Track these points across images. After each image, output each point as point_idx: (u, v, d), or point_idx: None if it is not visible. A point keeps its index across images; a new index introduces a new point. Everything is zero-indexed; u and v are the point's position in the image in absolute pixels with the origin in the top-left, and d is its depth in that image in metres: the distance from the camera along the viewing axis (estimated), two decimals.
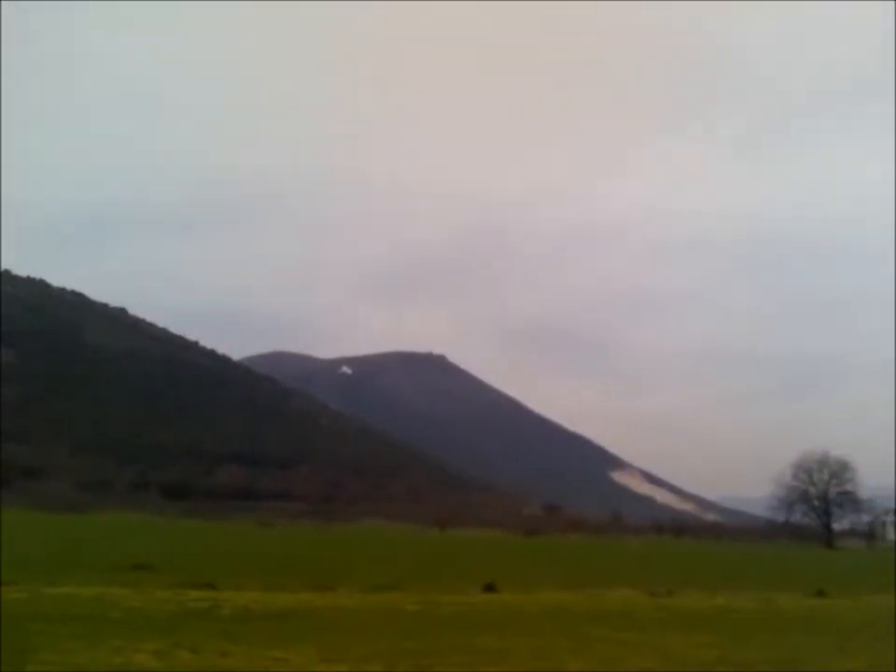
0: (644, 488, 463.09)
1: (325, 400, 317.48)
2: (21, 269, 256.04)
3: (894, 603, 28.16)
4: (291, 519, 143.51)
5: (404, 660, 14.18)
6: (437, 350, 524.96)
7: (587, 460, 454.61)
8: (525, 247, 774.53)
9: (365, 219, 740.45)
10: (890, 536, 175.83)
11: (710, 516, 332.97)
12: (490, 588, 28.43)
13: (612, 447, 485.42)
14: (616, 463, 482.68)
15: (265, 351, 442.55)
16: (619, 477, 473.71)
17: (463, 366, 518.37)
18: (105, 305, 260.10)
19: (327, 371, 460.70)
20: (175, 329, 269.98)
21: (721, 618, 23.79)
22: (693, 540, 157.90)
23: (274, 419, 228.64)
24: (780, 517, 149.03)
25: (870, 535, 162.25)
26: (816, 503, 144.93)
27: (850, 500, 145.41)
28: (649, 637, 18.61)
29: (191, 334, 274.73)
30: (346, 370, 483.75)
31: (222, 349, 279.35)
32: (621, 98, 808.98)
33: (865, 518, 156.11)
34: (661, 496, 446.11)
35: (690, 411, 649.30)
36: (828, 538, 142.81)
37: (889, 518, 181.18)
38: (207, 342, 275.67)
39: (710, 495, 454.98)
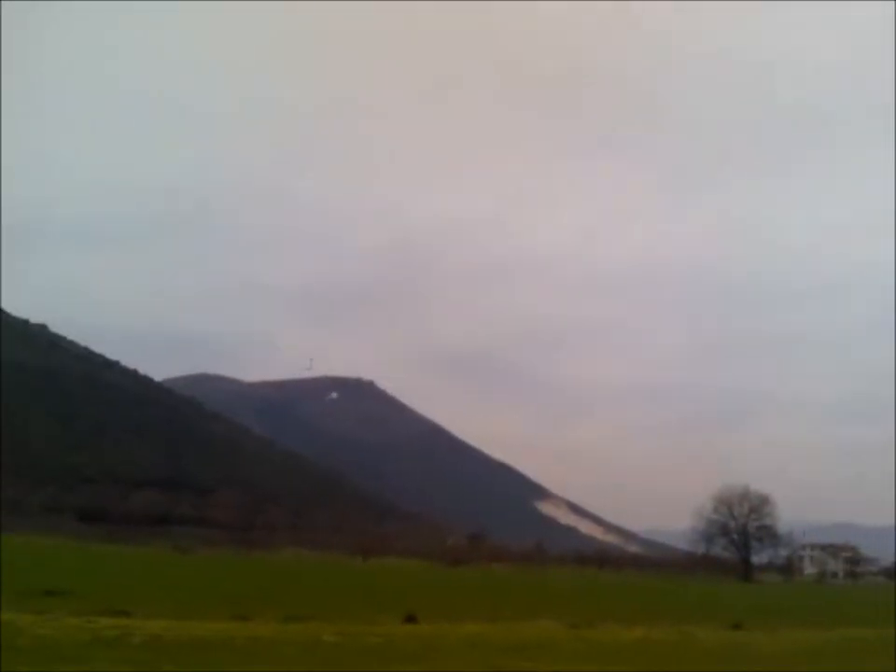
0: (569, 519, 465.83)
1: (248, 425, 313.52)
2: None
3: (810, 637, 28.71)
4: (209, 546, 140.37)
5: None
6: (366, 376, 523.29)
7: (513, 490, 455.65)
8: (455, 275, 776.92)
9: (293, 242, 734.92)
10: (807, 570, 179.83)
11: (633, 548, 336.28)
12: (410, 619, 28.13)
13: (538, 477, 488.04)
14: (541, 493, 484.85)
15: (188, 373, 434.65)
16: (544, 507, 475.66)
17: (391, 392, 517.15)
18: (24, 321, 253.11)
19: (251, 395, 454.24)
20: (96, 347, 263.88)
21: (638, 650, 23.86)
22: (615, 572, 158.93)
23: (196, 443, 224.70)
24: (700, 550, 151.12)
25: (787, 569, 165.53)
26: (735, 536, 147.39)
27: (769, 534, 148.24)
28: (564, 669, 18.55)
29: (112, 353, 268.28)
30: (271, 393, 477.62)
31: (144, 369, 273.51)
32: (553, 128, 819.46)
33: (783, 552, 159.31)
34: (585, 527, 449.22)
35: (615, 442, 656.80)
36: (746, 571, 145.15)
37: (806, 552, 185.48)
38: (129, 361, 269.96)
39: (634, 527, 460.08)
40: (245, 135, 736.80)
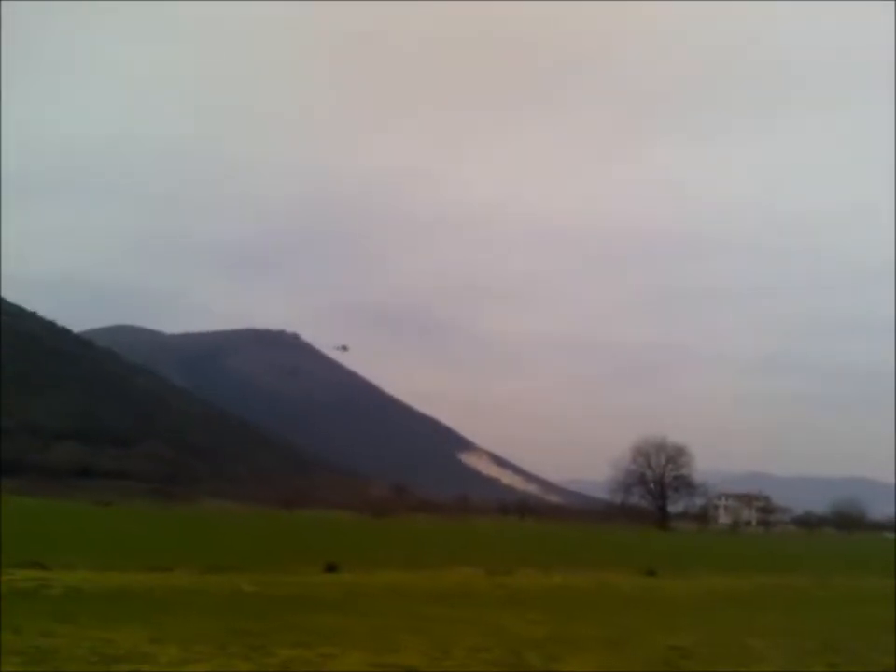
0: (491, 470, 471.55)
1: (170, 377, 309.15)
2: None
3: (721, 583, 29.75)
4: (130, 499, 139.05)
5: (236, 640, 13.91)
6: (290, 328, 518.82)
7: (437, 442, 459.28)
8: (383, 228, 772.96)
9: (216, 192, 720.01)
10: (722, 519, 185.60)
11: (553, 498, 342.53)
12: (331, 568, 28.28)
13: (462, 429, 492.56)
14: (465, 445, 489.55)
15: (108, 324, 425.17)
16: (467, 459, 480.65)
17: (316, 345, 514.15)
18: None
19: (173, 348, 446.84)
20: (12, 298, 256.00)
21: (556, 596, 24.42)
22: (536, 521, 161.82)
23: (116, 395, 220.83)
24: (619, 499, 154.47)
25: (702, 518, 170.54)
26: (652, 486, 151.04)
27: (685, 484, 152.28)
28: (484, 615, 18.89)
29: (29, 304, 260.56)
30: (193, 346, 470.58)
31: (62, 321, 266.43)
32: (485, 84, 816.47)
33: (698, 501, 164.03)
34: (507, 478, 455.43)
35: (538, 395, 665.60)
36: (662, 519, 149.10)
37: (721, 502, 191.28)
38: (46, 312, 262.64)
39: (554, 477, 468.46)
40: (170, 94, 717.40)
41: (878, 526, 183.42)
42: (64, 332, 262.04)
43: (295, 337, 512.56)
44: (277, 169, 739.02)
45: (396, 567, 31.08)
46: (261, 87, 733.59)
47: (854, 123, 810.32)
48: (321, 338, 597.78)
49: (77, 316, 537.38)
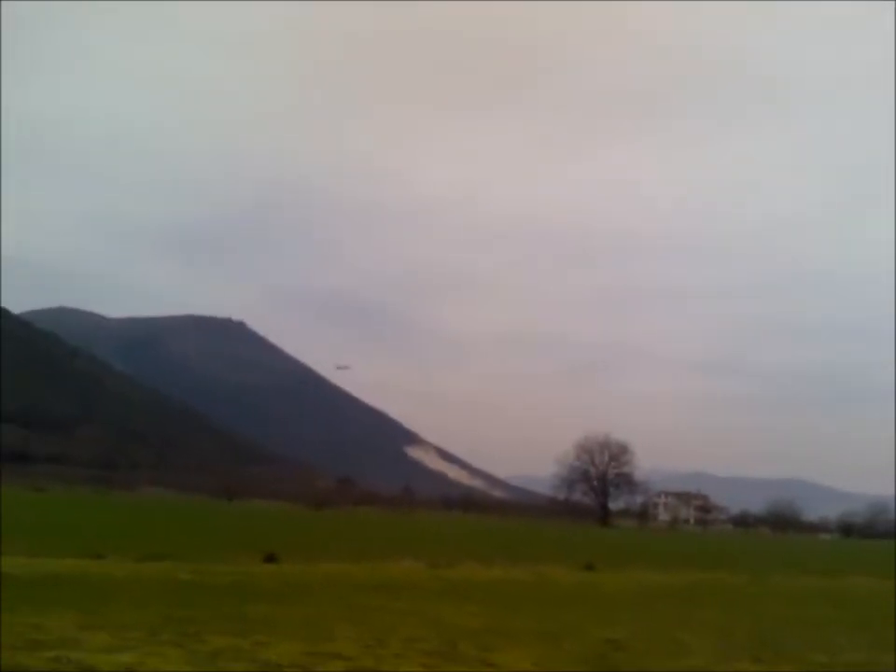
0: (437, 464, 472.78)
1: (111, 362, 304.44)
2: None
3: (656, 579, 30.11)
4: (69, 485, 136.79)
5: (169, 627, 13.73)
6: (236, 316, 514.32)
7: (383, 435, 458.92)
8: (334, 219, 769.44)
9: (163, 172, 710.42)
10: (661, 517, 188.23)
11: (498, 493, 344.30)
12: (271, 559, 28.07)
13: (409, 422, 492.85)
14: (411, 438, 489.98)
15: (48, 306, 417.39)
16: (414, 452, 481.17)
17: (263, 334, 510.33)
18: None
19: (115, 331, 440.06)
20: None
21: (495, 589, 24.51)
22: (480, 516, 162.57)
23: (55, 378, 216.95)
24: (562, 495, 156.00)
25: (642, 515, 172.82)
26: (595, 483, 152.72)
27: (626, 481, 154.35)
28: (423, 607, 18.88)
29: None
30: (136, 330, 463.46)
31: (2, 302, 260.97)
32: (448, 81, 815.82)
33: (639, 499, 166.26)
34: (453, 472, 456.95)
35: (486, 389, 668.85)
36: (604, 516, 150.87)
37: (661, 500, 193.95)
38: None
39: (500, 473, 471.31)
40: (114, 74, 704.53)
41: (813, 528, 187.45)
42: (3, 313, 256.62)
43: (241, 325, 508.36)
44: (228, 155, 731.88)
45: (337, 558, 30.94)
46: (210, 70, 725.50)
47: (803, 134, 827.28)
48: (268, 326, 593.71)
49: (18, 298, 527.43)
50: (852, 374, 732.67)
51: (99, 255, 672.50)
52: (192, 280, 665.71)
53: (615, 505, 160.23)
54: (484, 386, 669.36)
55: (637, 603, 22.53)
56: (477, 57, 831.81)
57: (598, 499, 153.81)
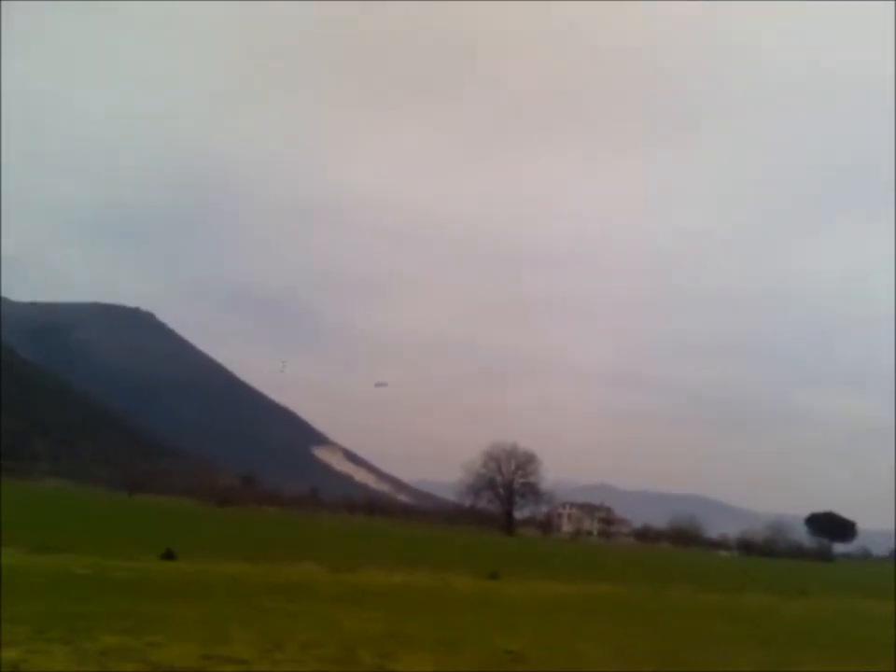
0: (344, 466, 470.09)
1: (14, 347, 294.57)
2: None
3: (557, 589, 30.34)
4: None
5: (58, 624, 13.23)
6: (145, 307, 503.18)
7: (291, 434, 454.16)
8: (250, 214, 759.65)
9: (76, 157, 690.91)
10: (565, 527, 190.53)
11: (404, 497, 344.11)
12: (169, 556, 27.42)
13: (317, 423, 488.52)
14: (319, 439, 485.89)
15: None
16: (320, 453, 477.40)
17: (172, 326, 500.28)
18: None
19: (16, 316, 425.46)
20: None
21: (396, 594, 24.32)
22: (385, 520, 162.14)
23: None
24: (468, 502, 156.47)
25: (546, 525, 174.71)
26: (501, 491, 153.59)
27: (532, 491, 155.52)
28: (322, 610, 18.61)
29: None
30: (42, 316, 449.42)
31: None
32: (372, 83, 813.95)
33: (544, 509, 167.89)
34: (360, 475, 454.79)
35: (396, 392, 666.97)
36: (508, 524, 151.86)
37: (565, 510, 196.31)
38: None
39: (407, 477, 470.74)
40: (29, 55, 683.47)
41: (713, 544, 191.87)
42: None
43: (150, 316, 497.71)
44: (143, 144, 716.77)
45: (237, 557, 30.43)
46: (129, 56, 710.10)
47: (718, 152, 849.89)
48: (178, 319, 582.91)
49: None
50: (757, 394, 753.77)
51: (5, 236, 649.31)
52: (101, 267, 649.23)
53: (520, 514, 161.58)
54: (395, 389, 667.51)
55: (539, 613, 22.60)
56: (401, 58, 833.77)
57: (503, 507, 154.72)
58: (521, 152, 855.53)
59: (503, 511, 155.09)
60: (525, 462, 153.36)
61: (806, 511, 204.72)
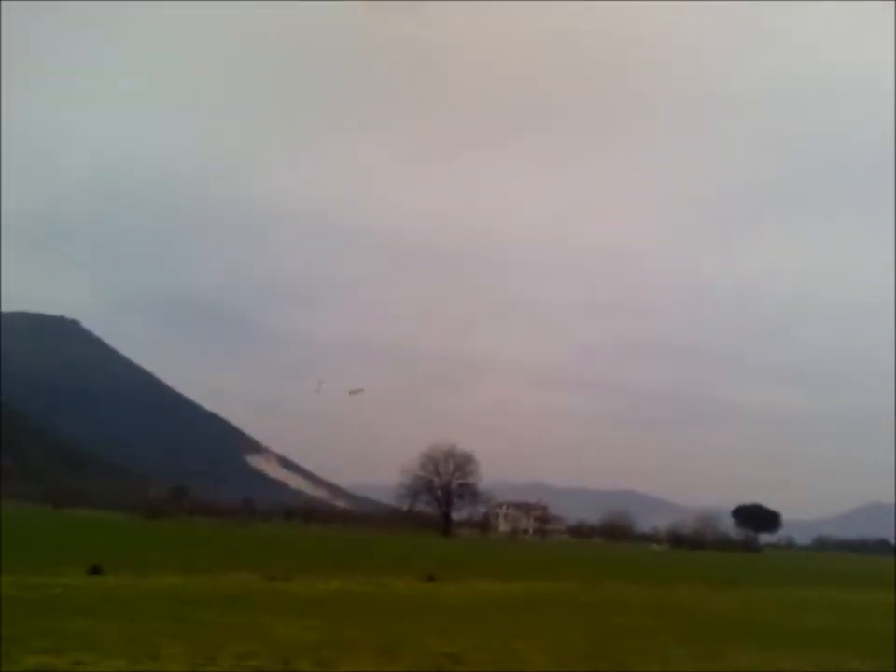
0: (279, 473, 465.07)
1: None
2: None
3: (496, 589, 30.35)
4: None
5: None
6: (70, 314, 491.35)
7: (224, 442, 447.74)
8: (180, 220, 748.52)
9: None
10: (502, 527, 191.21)
11: (341, 503, 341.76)
12: (96, 570, 26.68)
13: (250, 430, 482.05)
14: (253, 446, 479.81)
15: None
16: (254, 461, 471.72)
17: (99, 334, 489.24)
18: None
19: None
20: None
21: (332, 601, 24.04)
22: (321, 526, 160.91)
23: None
24: (406, 505, 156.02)
25: (483, 525, 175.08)
26: (439, 493, 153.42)
27: (470, 492, 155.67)
28: (257, 621, 18.26)
29: None
30: None
31: None
32: (301, 89, 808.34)
33: (482, 509, 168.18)
34: (295, 481, 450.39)
35: (330, 397, 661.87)
36: (446, 526, 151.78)
37: (502, 510, 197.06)
38: None
39: (343, 482, 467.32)
40: None
41: (645, 538, 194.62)
42: None
43: (75, 324, 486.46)
44: (66, 143, 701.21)
45: (168, 570, 29.77)
46: (63, 56, 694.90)
47: (663, 158, 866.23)
48: (105, 328, 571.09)
49: None
50: (686, 391, 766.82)
51: None
52: (23, 274, 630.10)
53: (457, 515, 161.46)
54: (328, 392, 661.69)
55: (476, 614, 22.55)
56: (351, 62, 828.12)
57: (441, 509, 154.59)
58: (465, 157, 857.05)
59: (441, 513, 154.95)
60: (463, 463, 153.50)
61: (733, 504, 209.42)
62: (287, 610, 20.70)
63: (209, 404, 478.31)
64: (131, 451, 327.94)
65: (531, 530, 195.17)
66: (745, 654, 17.37)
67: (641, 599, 30.10)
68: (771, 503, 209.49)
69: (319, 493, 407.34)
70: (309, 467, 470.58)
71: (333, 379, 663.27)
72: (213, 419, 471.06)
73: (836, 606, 33.11)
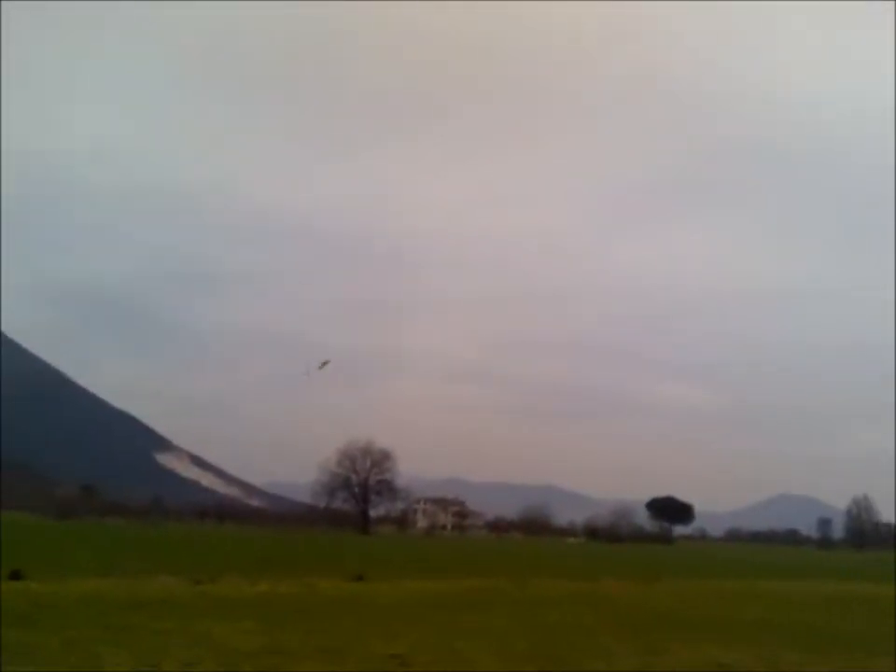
0: (191, 471, 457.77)
1: None
2: None
3: (426, 587, 30.23)
4: None
5: None
6: None
7: (133, 440, 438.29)
8: (77, 204, 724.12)
9: None
10: (420, 523, 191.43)
11: (255, 501, 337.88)
12: (16, 576, 25.71)
13: (160, 427, 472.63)
14: (163, 444, 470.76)
15: None
16: (165, 459, 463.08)
17: None
18: None
19: None
20: None
21: (265, 604, 23.61)
22: (236, 526, 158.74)
23: None
24: (322, 503, 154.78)
25: (401, 521, 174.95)
26: (357, 490, 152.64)
27: (388, 488, 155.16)
28: (192, 626, 17.82)
29: None
30: None
31: None
32: (219, 76, 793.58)
33: (400, 505, 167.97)
34: (207, 479, 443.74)
35: (242, 393, 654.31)
36: (365, 523, 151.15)
37: (420, 506, 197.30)
38: None
39: (257, 480, 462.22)
40: None
41: (562, 532, 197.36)
42: None
43: None
44: None
45: (89, 574, 28.85)
46: None
47: (562, 155, 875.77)
48: (4, 319, 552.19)
49: None
50: (600, 386, 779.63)
51: None
52: None
53: (375, 512, 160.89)
54: (241, 389, 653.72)
55: (412, 614, 22.42)
56: (255, 54, 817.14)
57: (359, 506, 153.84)
58: (374, 150, 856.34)
59: (359, 510, 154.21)
60: (381, 459, 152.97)
61: (648, 496, 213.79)
62: (219, 615, 20.24)
63: (116, 400, 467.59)
64: (36, 449, 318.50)
65: (449, 526, 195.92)
66: (687, 649, 17.61)
67: (571, 595, 30.31)
68: (684, 496, 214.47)
69: (232, 491, 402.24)
70: (221, 464, 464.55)
71: (240, 373, 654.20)
72: (121, 416, 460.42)
73: (763, 596, 33.91)
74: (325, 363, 62.51)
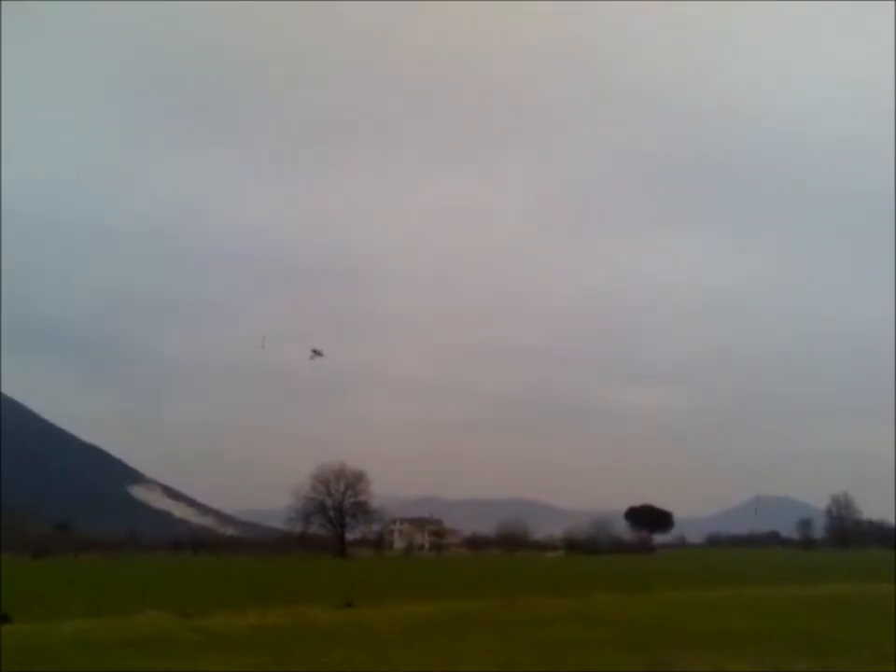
0: (163, 503, 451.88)
1: None
2: None
3: (417, 611, 29.93)
4: None
5: None
6: None
7: (103, 474, 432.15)
8: (40, 237, 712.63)
9: None
10: (397, 544, 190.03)
11: (229, 530, 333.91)
12: (4, 619, 25.20)
13: (131, 460, 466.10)
14: (134, 477, 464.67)
15: None
16: (137, 492, 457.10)
17: None
18: None
19: None
20: None
21: (259, 637, 23.31)
22: (212, 556, 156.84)
23: None
24: (298, 529, 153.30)
25: (378, 543, 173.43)
26: (332, 514, 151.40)
27: (363, 510, 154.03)
28: (192, 664, 17.51)
29: None
30: None
31: None
32: (167, 103, 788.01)
33: (375, 527, 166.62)
34: (180, 510, 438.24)
35: (212, 422, 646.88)
36: (342, 547, 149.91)
37: (396, 526, 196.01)
38: None
39: (230, 508, 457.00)
40: None
41: (540, 546, 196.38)
42: None
43: None
44: None
45: (75, 614, 28.30)
46: None
47: (529, 166, 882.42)
48: None
49: None
50: (572, 396, 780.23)
51: None
52: None
53: (351, 535, 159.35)
54: (211, 418, 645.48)
55: (409, 640, 22.19)
56: (190, 74, 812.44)
57: (335, 530, 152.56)
58: (329, 168, 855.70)
59: (335, 534, 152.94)
60: (355, 481, 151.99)
61: (623, 506, 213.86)
62: (215, 650, 19.98)
63: (84, 433, 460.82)
64: (6, 487, 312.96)
65: (427, 545, 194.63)
66: (694, 661, 17.56)
67: (566, 612, 30.09)
68: (661, 503, 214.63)
69: (206, 521, 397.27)
70: (194, 494, 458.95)
71: (208, 403, 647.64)
72: (90, 449, 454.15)
73: (756, 605, 33.83)
74: (317, 353, 62.16)
